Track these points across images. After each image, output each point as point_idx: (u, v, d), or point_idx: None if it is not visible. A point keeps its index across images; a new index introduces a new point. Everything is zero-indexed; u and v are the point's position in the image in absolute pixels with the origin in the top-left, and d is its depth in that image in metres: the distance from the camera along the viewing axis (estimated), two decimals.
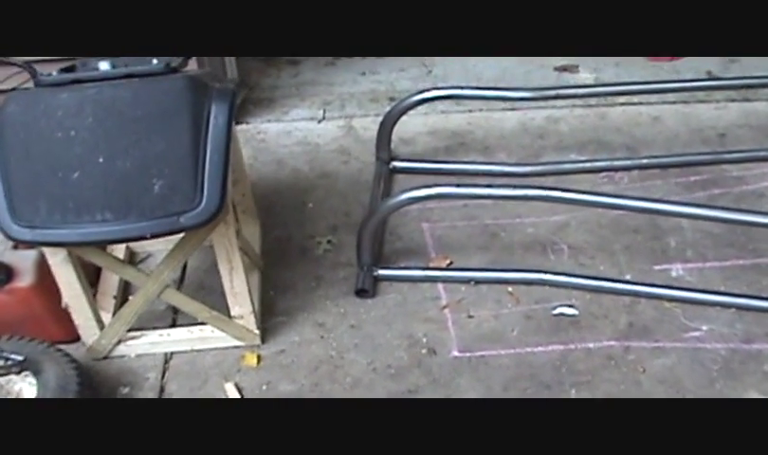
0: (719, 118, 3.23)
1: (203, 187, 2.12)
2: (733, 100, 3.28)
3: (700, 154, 3.00)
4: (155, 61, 2.25)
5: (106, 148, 2.11)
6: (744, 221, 2.29)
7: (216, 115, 2.17)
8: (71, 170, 2.09)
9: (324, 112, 3.47)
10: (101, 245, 2.31)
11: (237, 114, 2.88)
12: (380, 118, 3.32)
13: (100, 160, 2.10)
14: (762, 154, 2.95)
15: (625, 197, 2.41)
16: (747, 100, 3.27)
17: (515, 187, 2.41)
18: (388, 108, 3.41)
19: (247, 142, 3.30)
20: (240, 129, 3.35)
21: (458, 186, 2.46)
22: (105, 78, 2.23)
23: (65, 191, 2.08)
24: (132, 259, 2.75)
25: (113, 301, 2.57)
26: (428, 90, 3.02)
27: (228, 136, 2.18)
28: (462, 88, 3.09)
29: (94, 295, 2.49)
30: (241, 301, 2.39)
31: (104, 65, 2.25)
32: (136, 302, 2.38)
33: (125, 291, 2.62)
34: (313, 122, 3.43)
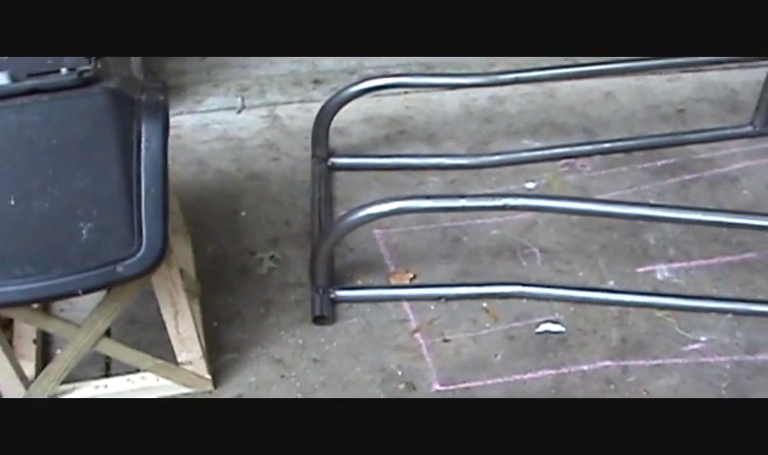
0: (674, 92, 3.04)
1: (141, 228, 1.78)
2: (685, 71, 3.09)
3: (663, 135, 2.81)
4: (63, 70, 1.86)
5: (17, 187, 1.73)
6: (747, 224, 2.09)
7: (148, 137, 1.82)
8: None
9: (243, 100, 3.11)
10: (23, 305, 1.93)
11: None
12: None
13: (11, 203, 1.73)
14: (728, 132, 2.79)
15: (618, 203, 2.19)
16: (700, 70, 3.09)
17: (493, 196, 2.14)
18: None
19: None
20: None
21: (426, 198, 2.19)
22: (4, 95, 1.82)
23: None
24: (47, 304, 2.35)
25: (33, 347, 2.20)
26: (370, 78, 2.70)
27: (165, 163, 1.84)
28: (409, 76, 2.79)
29: (10, 341, 2.12)
30: (189, 347, 2.07)
31: (1, 78, 1.84)
32: (65, 357, 2.02)
33: (45, 333, 2.25)
34: (231, 112, 3.06)
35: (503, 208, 2.12)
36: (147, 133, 1.82)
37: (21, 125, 1.76)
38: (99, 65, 1.90)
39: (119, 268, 1.77)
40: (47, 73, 1.83)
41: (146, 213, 1.78)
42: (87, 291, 1.78)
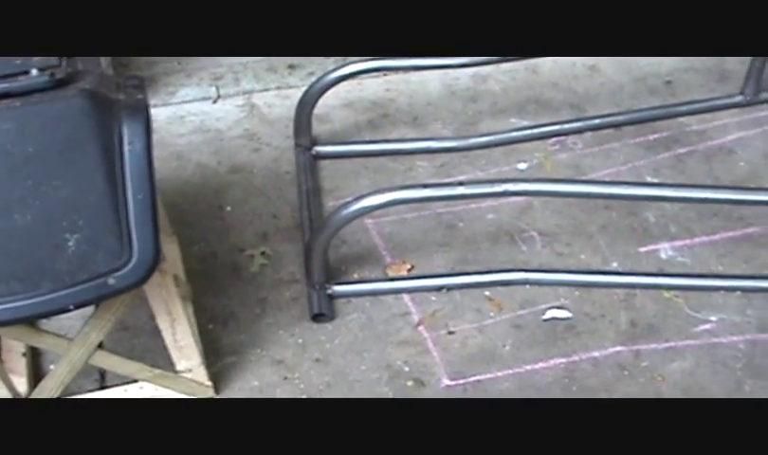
0: (660, 63, 2.97)
1: (130, 237, 1.68)
2: None
3: (653, 108, 2.75)
4: (34, 71, 1.73)
5: None
6: (751, 201, 2.03)
7: (131, 139, 1.70)
8: None
9: (218, 89, 2.98)
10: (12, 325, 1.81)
11: None
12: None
13: None
14: (719, 102, 2.73)
15: (621, 184, 2.12)
16: None
17: (492, 182, 2.07)
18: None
19: None
20: None
21: (423, 187, 2.09)
22: None
23: None
24: None
25: (23, 360, 2.09)
26: (349, 64, 2.59)
27: (151, 166, 1.72)
28: (388, 59, 2.67)
29: None
30: (188, 354, 1.97)
31: None
32: (60, 372, 1.90)
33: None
34: (207, 103, 2.94)
35: (504, 194, 2.05)
36: (129, 134, 1.71)
37: None
38: (69, 64, 1.79)
39: (111, 280, 1.68)
40: (16, 75, 1.71)
41: (135, 221, 1.69)
42: (79, 306, 1.69)
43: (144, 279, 1.70)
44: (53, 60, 1.74)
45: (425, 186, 2.08)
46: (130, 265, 1.68)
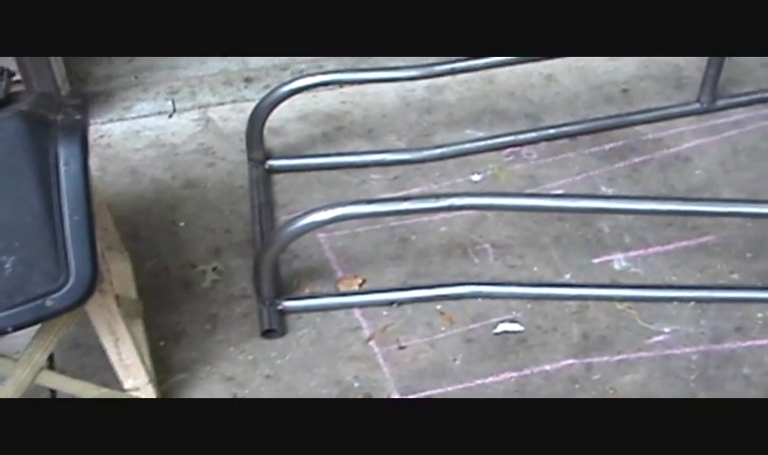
0: (617, 71, 2.96)
1: (66, 259, 1.65)
2: None
3: (608, 117, 2.73)
4: None
5: None
6: (703, 212, 2.02)
7: (67, 160, 1.69)
8: None
9: (174, 103, 2.95)
10: None
11: None
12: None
13: None
14: (676, 110, 2.72)
15: (570, 197, 2.11)
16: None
17: (437, 197, 2.04)
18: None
19: (91, 150, 2.72)
20: None
21: (369, 202, 2.08)
22: None
23: None
24: None
25: None
26: (302, 77, 2.57)
27: (88, 186, 1.70)
28: (342, 72, 2.65)
29: None
30: (134, 373, 1.94)
31: None
32: (6, 393, 1.86)
33: None
34: (163, 117, 2.90)
35: (449, 208, 2.03)
36: (65, 155, 1.69)
37: None
38: (7, 84, 1.77)
39: (48, 302, 1.65)
40: None
41: (72, 242, 1.66)
42: (18, 328, 1.65)
43: (82, 300, 1.67)
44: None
45: (369, 202, 2.07)
46: (67, 287, 1.65)
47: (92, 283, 1.66)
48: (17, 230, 1.62)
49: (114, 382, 1.94)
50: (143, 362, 1.96)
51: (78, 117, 1.78)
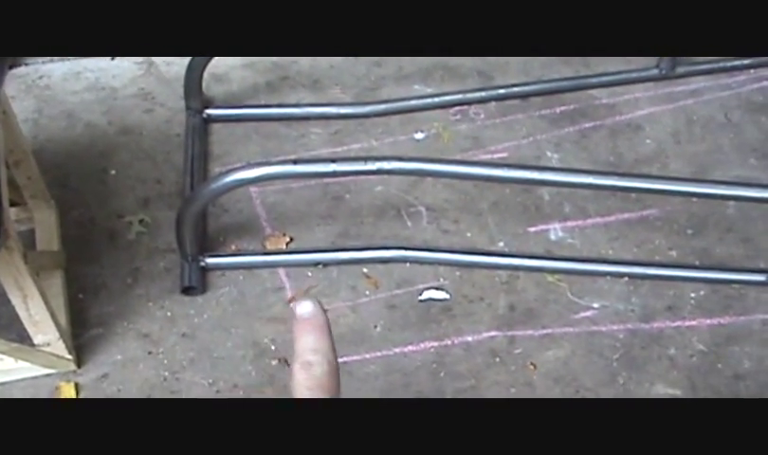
0: None
1: None
2: None
3: (562, 79, 2.61)
4: None
5: None
6: (641, 189, 1.93)
7: None
8: None
9: None
10: None
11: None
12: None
13: None
14: (633, 75, 2.60)
15: (500, 166, 2.00)
16: None
17: (366, 160, 1.93)
18: None
19: (29, 91, 2.62)
20: (17, 74, 2.66)
21: (295, 163, 1.96)
22: None
23: None
24: None
25: None
26: None
27: None
28: None
29: None
30: (44, 329, 1.86)
31: None
32: None
33: None
34: (105, 59, 2.78)
35: (377, 172, 1.92)
36: None
37: None
38: None
39: None
40: None
41: None
42: None
43: None
44: None
45: (294, 162, 1.95)
46: None
47: None
48: None
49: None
50: (54, 318, 1.88)
51: None
